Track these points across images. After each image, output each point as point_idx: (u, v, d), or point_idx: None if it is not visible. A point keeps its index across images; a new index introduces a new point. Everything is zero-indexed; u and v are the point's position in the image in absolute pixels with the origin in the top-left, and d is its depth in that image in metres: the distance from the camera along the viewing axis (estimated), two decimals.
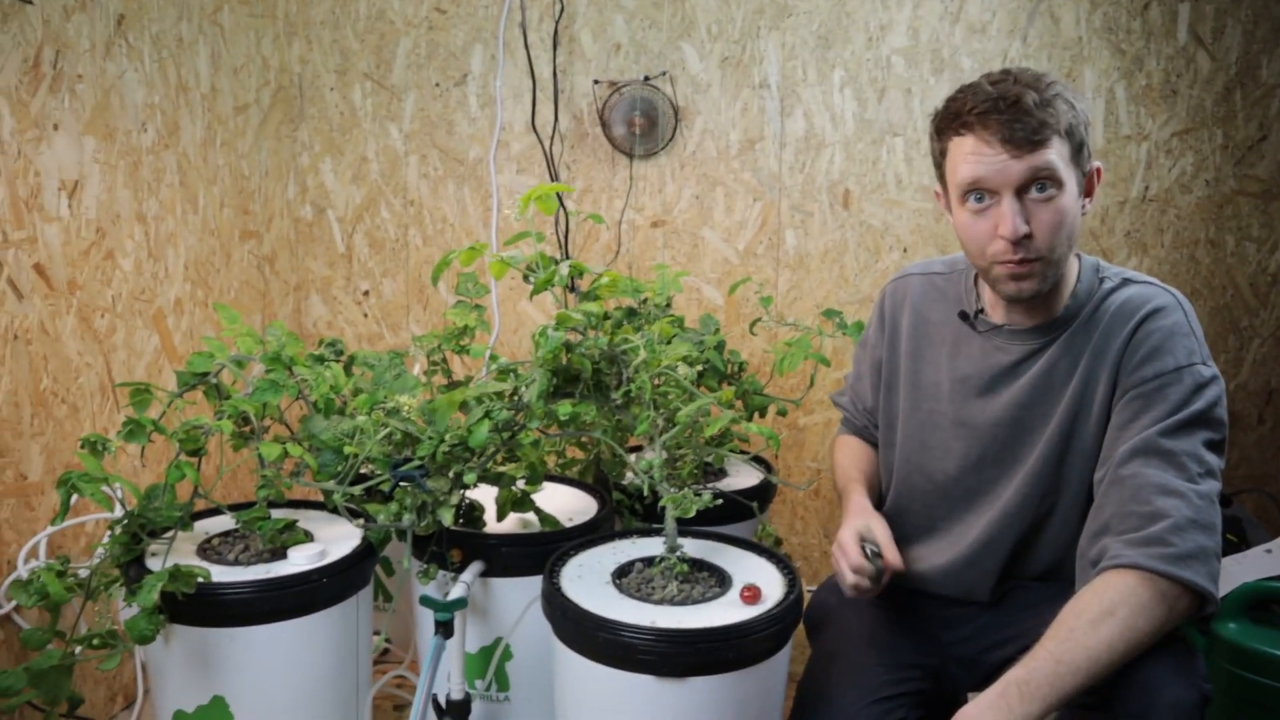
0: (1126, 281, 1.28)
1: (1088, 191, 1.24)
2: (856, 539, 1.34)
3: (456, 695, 1.47)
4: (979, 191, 1.21)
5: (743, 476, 1.87)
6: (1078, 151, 1.20)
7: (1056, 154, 1.17)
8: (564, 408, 1.31)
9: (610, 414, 1.41)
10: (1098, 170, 1.25)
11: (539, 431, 1.40)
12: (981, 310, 1.36)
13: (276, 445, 1.36)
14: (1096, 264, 1.31)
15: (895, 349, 1.45)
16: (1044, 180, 1.18)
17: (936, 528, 1.42)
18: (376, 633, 1.65)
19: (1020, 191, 1.19)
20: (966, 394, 1.35)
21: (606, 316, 1.37)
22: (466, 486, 1.34)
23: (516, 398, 1.34)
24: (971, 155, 1.20)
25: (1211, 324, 2.22)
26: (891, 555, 1.31)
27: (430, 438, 1.31)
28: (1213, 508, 1.14)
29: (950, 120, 1.23)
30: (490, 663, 1.51)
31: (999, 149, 1.18)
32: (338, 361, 1.53)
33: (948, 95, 1.25)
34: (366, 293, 2.47)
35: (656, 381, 1.35)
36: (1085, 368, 1.26)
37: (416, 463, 1.33)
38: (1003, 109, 1.17)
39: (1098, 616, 1.09)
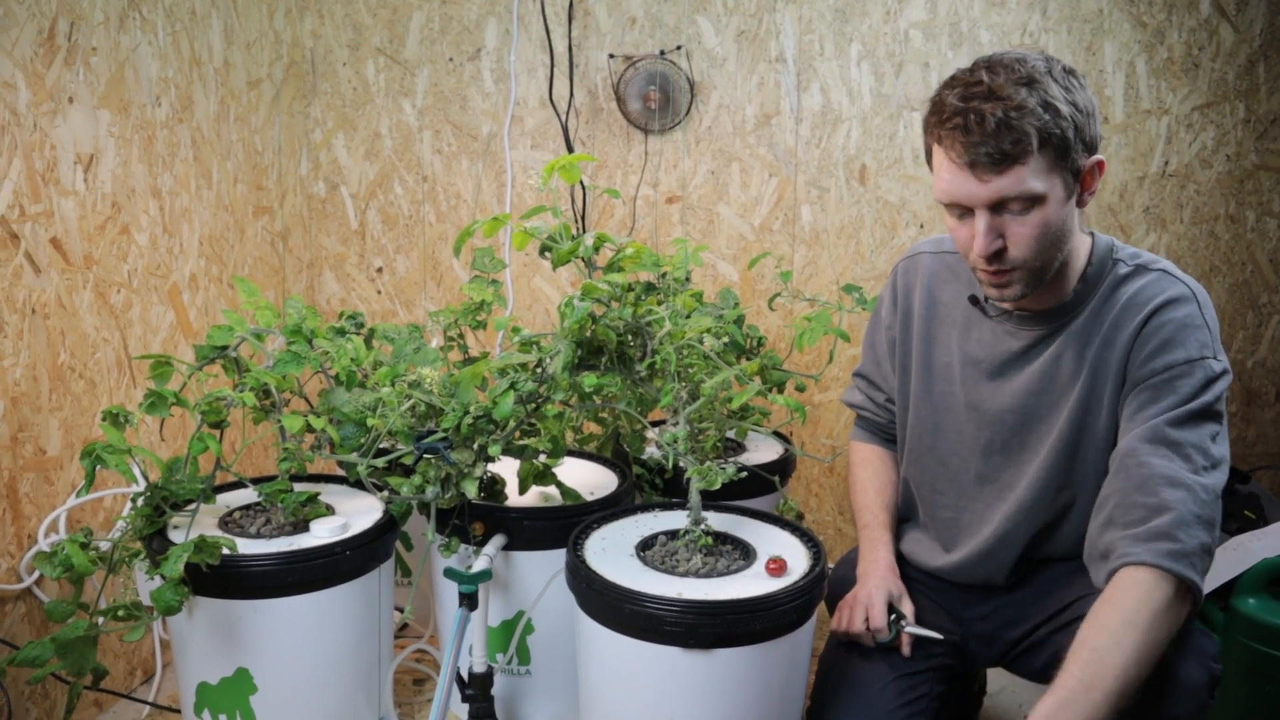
0: (1141, 269, 1.24)
1: (1085, 186, 1.18)
2: (886, 603, 1.34)
3: (479, 668, 1.47)
4: (955, 206, 1.19)
5: (762, 451, 1.87)
6: (1063, 156, 1.13)
7: (1031, 170, 1.11)
8: (589, 379, 1.30)
9: (634, 386, 1.40)
10: (1099, 164, 1.17)
11: (562, 404, 1.40)
12: None
13: (299, 417, 1.35)
14: (1111, 245, 1.27)
15: (908, 329, 1.43)
16: (1016, 199, 1.13)
17: (944, 517, 1.41)
18: (399, 609, 1.66)
19: (994, 208, 1.15)
20: (977, 377, 1.34)
21: (629, 289, 1.36)
22: (490, 459, 1.34)
23: (540, 370, 1.33)
24: (944, 172, 1.16)
25: (1230, 300, 2.20)
26: (909, 636, 1.32)
27: (454, 410, 1.31)
28: (1217, 503, 1.13)
29: (929, 122, 1.18)
30: (512, 636, 1.52)
31: (966, 172, 1.13)
32: (358, 334, 1.52)
33: (941, 82, 1.20)
34: (380, 269, 2.46)
35: (681, 354, 1.35)
36: (1095, 359, 1.24)
37: (440, 435, 1.33)
38: (969, 128, 1.11)
39: (1120, 630, 1.07)
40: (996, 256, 1.17)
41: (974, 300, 1.34)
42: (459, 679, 1.49)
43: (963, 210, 1.18)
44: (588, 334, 1.34)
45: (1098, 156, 1.17)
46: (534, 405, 1.35)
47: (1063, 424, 1.27)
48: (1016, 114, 1.10)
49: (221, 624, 1.34)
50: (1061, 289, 1.25)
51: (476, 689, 1.47)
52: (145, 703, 1.74)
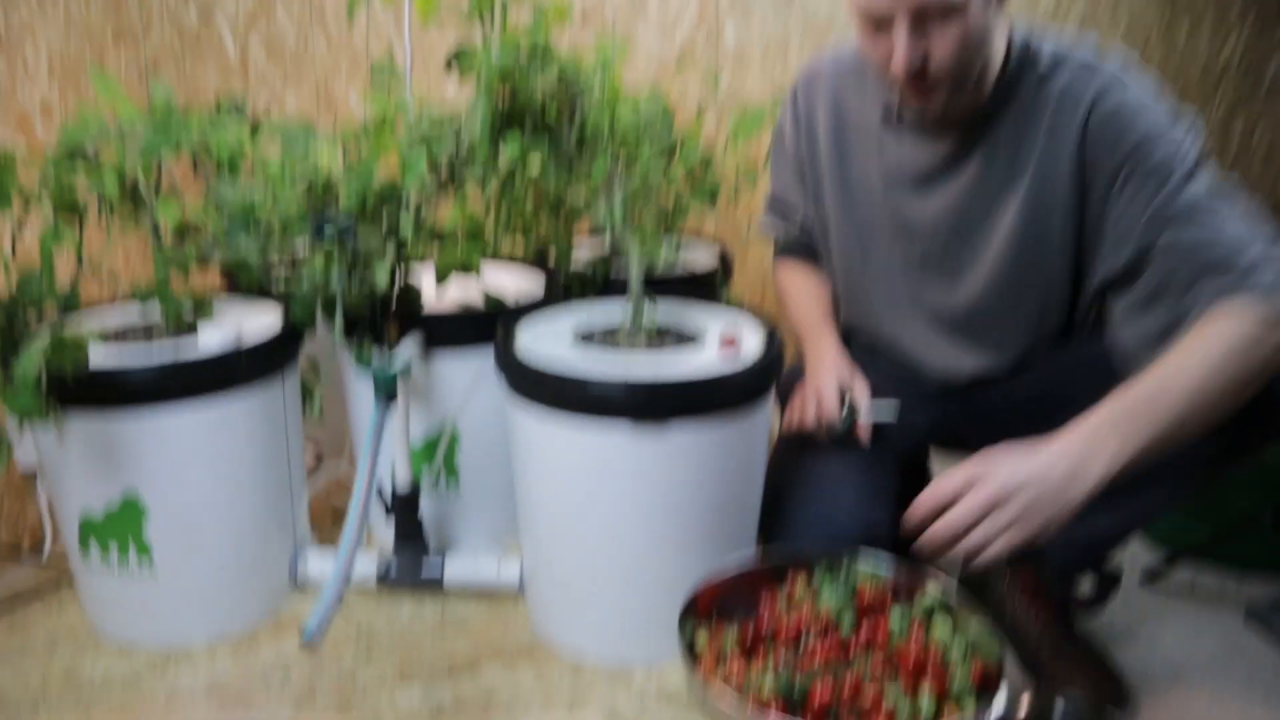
0: (1061, 62, 1.15)
1: None
2: (837, 390, 1.25)
3: (404, 490, 1.34)
4: (872, 18, 1.08)
5: (699, 258, 1.75)
6: None
7: None
8: (512, 146, 1.14)
9: (562, 165, 1.25)
10: None
11: (479, 184, 1.24)
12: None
13: (175, 204, 1.17)
14: (1027, 41, 1.17)
15: (815, 150, 1.34)
16: (937, 8, 1.04)
17: (884, 343, 1.34)
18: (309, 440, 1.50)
19: (916, 19, 1.06)
20: (902, 190, 1.25)
21: (550, 47, 1.20)
22: (402, 241, 1.18)
23: (457, 137, 1.17)
24: None
25: None
26: (866, 423, 1.24)
27: (353, 185, 1.14)
28: (1271, 230, 1.04)
29: None
30: (437, 451, 1.38)
31: None
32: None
33: None
34: (267, 109, 2.22)
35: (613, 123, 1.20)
36: (1038, 164, 1.15)
37: (343, 216, 1.16)
38: None
39: (1193, 346, 0.98)
40: (919, 72, 1.08)
41: (888, 112, 1.24)
42: (383, 503, 1.35)
43: (880, 22, 1.08)
44: (506, 98, 1.18)
45: None
46: (451, 178, 1.19)
47: (1006, 231, 1.19)
48: None
49: (99, 442, 1.17)
50: (979, 93, 1.16)
51: (401, 511, 1.34)
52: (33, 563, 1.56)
